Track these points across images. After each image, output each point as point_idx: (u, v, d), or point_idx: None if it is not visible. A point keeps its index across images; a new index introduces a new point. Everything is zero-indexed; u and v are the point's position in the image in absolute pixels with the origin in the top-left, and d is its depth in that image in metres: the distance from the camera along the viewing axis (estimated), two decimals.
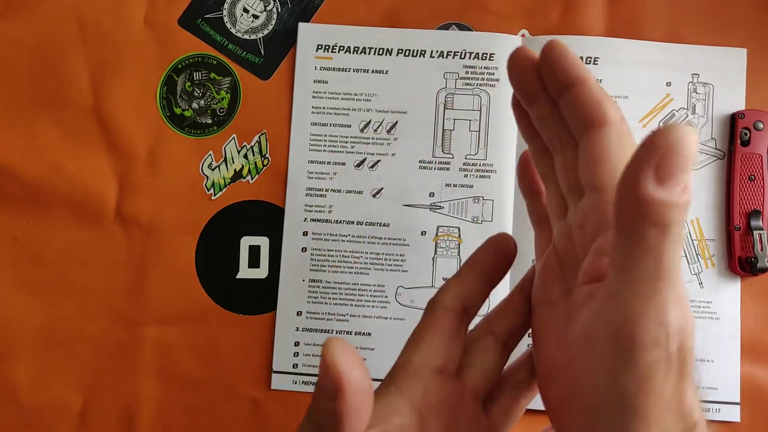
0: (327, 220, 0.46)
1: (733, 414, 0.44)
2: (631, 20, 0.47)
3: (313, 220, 0.46)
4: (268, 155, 0.46)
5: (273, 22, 0.47)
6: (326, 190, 0.46)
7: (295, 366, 0.45)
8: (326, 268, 0.45)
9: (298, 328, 0.45)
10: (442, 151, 0.46)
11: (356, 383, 0.19)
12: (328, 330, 0.45)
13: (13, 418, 0.44)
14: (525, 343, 0.35)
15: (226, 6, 0.47)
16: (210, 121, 0.46)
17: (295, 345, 0.45)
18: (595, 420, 0.21)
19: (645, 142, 0.18)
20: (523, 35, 0.46)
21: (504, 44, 0.46)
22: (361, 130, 0.46)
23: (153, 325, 0.45)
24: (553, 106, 0.25)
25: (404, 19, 0.47)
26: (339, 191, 0.46)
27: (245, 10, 0.47)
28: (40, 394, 0.45)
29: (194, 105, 0.46)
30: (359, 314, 0.45)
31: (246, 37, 0.47)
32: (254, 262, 0.45)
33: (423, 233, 0.45)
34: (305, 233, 0.46)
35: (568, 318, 0.24)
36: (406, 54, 0.46)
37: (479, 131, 0.46)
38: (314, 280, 0.45)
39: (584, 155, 0.24)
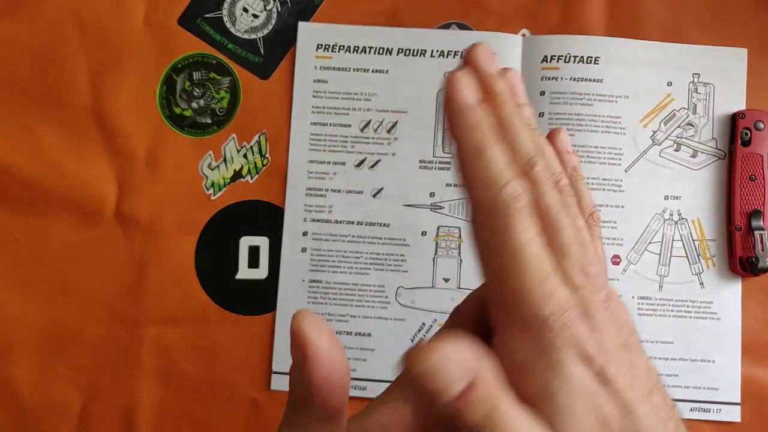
0: (327, 220, 0.46)
1: (734, 414, 0.43)
2: (632, 20, 0.46)
3: (313, 220, 0.46)
4: (267, 155, 0.46)
5: (273, 21, 0.47)
6: (326, 190, 0.46)
7: None
8: (326, 269, 0.45)
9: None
10: (443, 151, 0.46)
11: (323, 351, 0.20)
12: None
13: (13, 418, 0.44)
14: None
15: (225, 5, 0.47)
16: (210, 121, 0.46)
17: None
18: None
19: None
20: (523, 35, 0.46)
21: (504, 44, 0.46)
22: (361, 130, 0.46)
23: (153, 326, 0.45)
24: None
25: (404, 19, 0.47)
26: (339, 191, 0.46)
27: (245, 10, 0.47)
28: (40, 394, 0.44)
29: (194, 105, 0.46)
30: (359, 315, 0.45)
31: (246, 36, 0.47)
32: (254, 262, 0.45)
33: (423, 233, 0.45)
34: (305, 233, 0.45)
35: None
36: (406, 54, 0.46)
37: None
38: (314, 281, 0.45)
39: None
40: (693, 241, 0.45)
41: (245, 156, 0.46)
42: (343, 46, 0.47)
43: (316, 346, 0.20)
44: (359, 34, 0.47)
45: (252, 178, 0.46)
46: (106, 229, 0.46)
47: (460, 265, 0.45)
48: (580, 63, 0.45)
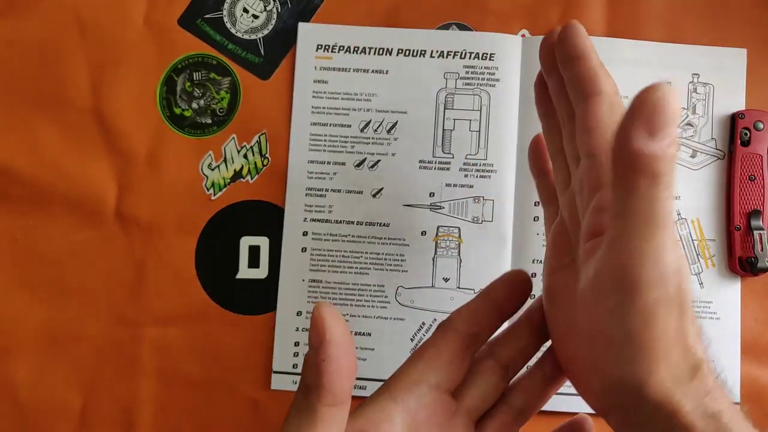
0: (327, 220, 0.46)
1: None
2: (631, 20, 0.46)
3: (313, 220, 0.46)
4: (267, 155, 0.46)
5: (273, 21, 0.47)
6: (326, 190, 0.46)
7: (295, 366, 0.45)
8: (326, 268, 0.45)
9: (298, 328, 0.45)
10: (443, 151, 0.46)
11: (338, 335, 0.22)
12: None
13: (13, 418, 0.44)
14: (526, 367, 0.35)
15: (225, 6, 0.47)
16: (210, 121, 0.46)
17: (295, 345, 0.45)
18: (609, 361, 0.23)
19: (635, 101, 0.20)
20: (523, 35, 0.46)
21: (504, 44, 0.46)
22: (361, 130, 0.46)
23: (153, 325, 0.45)
24: (563, 81, 0.28)
25: (404, 19, 0.47)
26: (339, 191, 0.46)
27: (245, 10, 0.47)
28: (40, 394, 0.45)
29: (194, 105, 0.46)
30: (359, 314, 0.45)
31: (246, 37, 0.47)
32: (254, 262, 0.45)
33: (423, 233, 0.45)
34: (305, 233, 0.45)
35: (577, 276, 0.25)
36: (406, 54, 0.46)
37: (479, 131, 0.46)
38: (314, 280, 0.45)
39: (579, 124, 0.26)
40: (692, 240, 0.45)
41: (245, 156, 0.46)
42: (343, 47, 0.47)
43: (332, 331, 0.22)
44: (359, 35, 0.47)
45: (252, 178, 0.46)
46: (106, 229, 0.46)
47: (460, 265, 0.45)
48: None
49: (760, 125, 0.45)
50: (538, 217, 0.45)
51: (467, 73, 0.46)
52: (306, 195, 0.46)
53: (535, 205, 0.45)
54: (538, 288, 0.37)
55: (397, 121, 0.46)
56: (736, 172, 0.44)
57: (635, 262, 0.21)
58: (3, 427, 0.44)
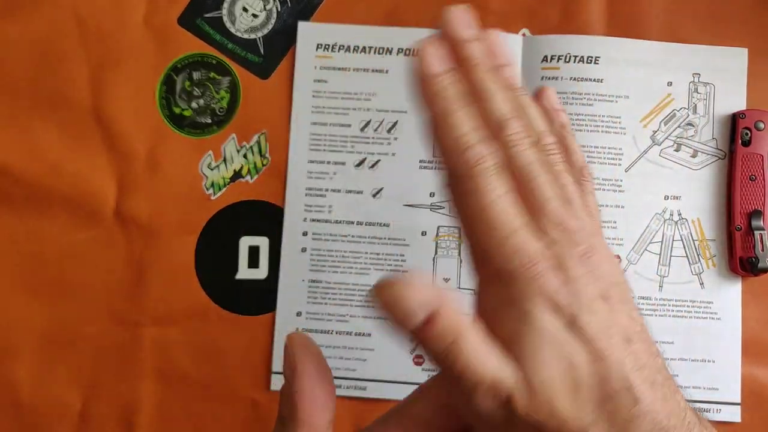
0: (327, 220, 0.46)
1: (734, 414, 0.43)
2: (632, 20, 0.46)
3: (313, 220, 0.46)
4: (267, 155, 0.46)
5: (273, 21, 0.47)
6: (326, 190, 0.46)
7: None
8: (326, 269, 0.45)
9: (297, 328, 0.45)
10: None
11: (310, 367, 0.22)
12: (328, 330, 0.45)
13: (13, 418, 0.44)
14: None
15: (225, 5, 0.47)
16: (209, 121, 0.46)
17: None
18: None
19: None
20: (523, 35, 0.46)
21: (504, 44, 0.46)
22: (361, 130, 0.46)
23: (152, 326, 0.45)
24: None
25: (404, 19, 0.47)
26: (339, 191, 0.46)
27: (245, 9, 0.47)
28: (40, 394, 0.44)
29: (194, 104, 0.46)
30: (359, 315, 0.45)
31: (246, 36, 0.47)
32: (254, 262, 0.45)
33: (423, 233, 0.45)
34: (305, 233, 0.45)
35: None
36: (406, 53, 0.46)
37: None
38: (314, 281, 0.45)
39: None
40: (693, 241, 0.45)
41: (245, 156, 0.46)
42: (343, 46, 0.47)
43: (304, 365, 0.22)
44: (359, 34, 0.47)
45: (252, 178, 0.46)
46: (106, 229, 0.45)
47: (460, 265, 0.45)
48: (580, 63, 0.45)
49: (761, 125, 0.45)
50: None
51: None
52: (306, 195, 0.46)
53: None
54: None
55: (397, 121, 0.46)
56: (737, 172, 0.44)
57: None
58: (3, 427, 0.44)
